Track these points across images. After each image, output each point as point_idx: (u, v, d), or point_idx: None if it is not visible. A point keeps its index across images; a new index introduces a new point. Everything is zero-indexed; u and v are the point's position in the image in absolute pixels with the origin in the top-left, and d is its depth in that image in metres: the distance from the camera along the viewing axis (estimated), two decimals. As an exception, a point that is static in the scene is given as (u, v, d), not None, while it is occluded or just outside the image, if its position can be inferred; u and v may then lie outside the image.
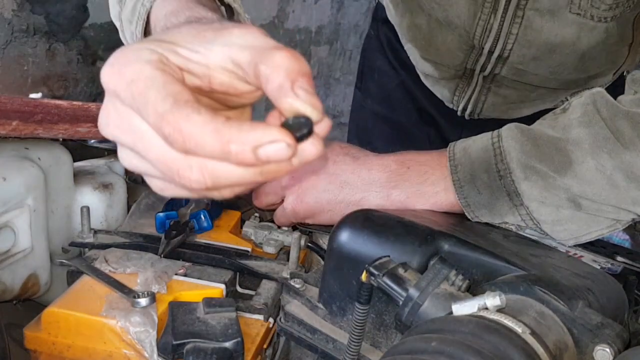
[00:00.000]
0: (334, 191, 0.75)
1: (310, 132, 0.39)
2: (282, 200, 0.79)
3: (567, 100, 1.03)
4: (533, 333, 0.45)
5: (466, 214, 0.71)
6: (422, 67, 1.12)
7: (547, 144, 0.68)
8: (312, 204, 0.75)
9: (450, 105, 1.15)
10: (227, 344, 0.58)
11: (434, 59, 1.07)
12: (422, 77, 1.17)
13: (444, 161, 0.72)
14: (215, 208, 0.84)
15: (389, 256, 0.56)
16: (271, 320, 0.68)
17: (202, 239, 0.78)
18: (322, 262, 0.78)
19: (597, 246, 0.81)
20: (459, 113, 1.14)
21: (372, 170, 0.74)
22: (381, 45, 1.26)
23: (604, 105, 0.68)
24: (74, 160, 0.79)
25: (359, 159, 0.76)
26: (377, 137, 1.29)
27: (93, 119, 0.70)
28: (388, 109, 1.28)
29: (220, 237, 0.79)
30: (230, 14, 0.69)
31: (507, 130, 0.70)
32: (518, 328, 0.45)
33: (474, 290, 0.55)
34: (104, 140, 0.81)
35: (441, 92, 1.14)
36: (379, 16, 1.27)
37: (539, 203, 0.68)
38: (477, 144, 0.72)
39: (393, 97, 1.27)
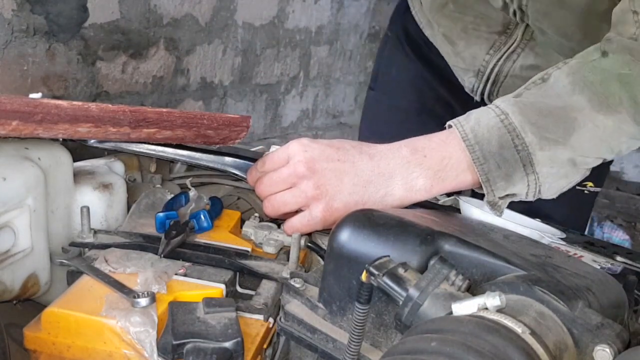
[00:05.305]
0: (359, 192, 0.76)
1: None
2: (297, 210, 0.78)
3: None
4: (533, 333, 0.45)
5: (484, 188, 0.74)
6: (463, 27, 1.14)
7: (551, 113, 0.73)
8: (342, 208, 0.75)
9: (471, 82, 1.16)
10: (227, 344, 0.58)
11: (479, 15, 1.10)
12: (448, 50, 1.18)
13: (456, 143, 0.75)
14: (215, 208, 0.84)
15: (389, 256, 0.56)
16: (271, 320, 0.68)
17: (202, 239, 0.78)
18: (322, 262, 0.78)
19: (597, 246, 0.81)
20: (481, 86, 1.15)
21: (389, 164, 0.76)
22: (400, 43, 1.31)
23: (590, 70, 0.74)
24: (74, 160, 0.79)
25: (375, 156, 0.77)
26: (390, 128, 1.33)
27: (93, 119, 0.69)
28: (404, 99, 1.33)
29: (220, 237, 0.79)
30: None
31: (507, 106, 0.74)
32: (518, 328, 0.45)
33: (474, 290, 0.55)
34: (104, 140, 0.81)
35: (473, 54, 1.15)
36: (398, 17, 1.33)
37: (548, 167, 0.73)
38: (484, 123, 0.74)
39: (410, 88, 1.32)
